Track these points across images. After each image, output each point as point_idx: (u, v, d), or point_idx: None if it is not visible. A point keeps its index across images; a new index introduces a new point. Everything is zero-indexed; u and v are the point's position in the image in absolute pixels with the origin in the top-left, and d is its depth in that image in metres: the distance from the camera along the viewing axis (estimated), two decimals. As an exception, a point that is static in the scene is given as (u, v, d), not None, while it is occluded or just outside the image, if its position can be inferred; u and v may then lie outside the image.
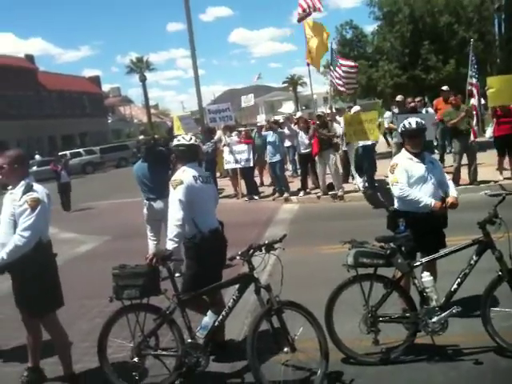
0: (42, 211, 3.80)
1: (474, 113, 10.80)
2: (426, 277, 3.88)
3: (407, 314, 4.00)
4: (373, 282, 3.95)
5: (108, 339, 3.94)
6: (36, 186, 3.92)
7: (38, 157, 32.21)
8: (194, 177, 4.19)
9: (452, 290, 3.92)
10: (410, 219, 4.17)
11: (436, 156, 10.89)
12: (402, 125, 4.46)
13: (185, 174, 4.18)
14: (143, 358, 3.87)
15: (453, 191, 4.41)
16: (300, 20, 12.31)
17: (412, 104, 11.83)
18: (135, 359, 3.82)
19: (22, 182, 3.88)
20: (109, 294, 3.87)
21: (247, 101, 18.11)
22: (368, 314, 3.94)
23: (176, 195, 4.05)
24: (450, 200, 4.30)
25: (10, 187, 4.00)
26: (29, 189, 3.83)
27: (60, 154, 19.04)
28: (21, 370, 4.26)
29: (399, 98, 11.99)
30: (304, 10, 12.02)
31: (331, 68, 12.35)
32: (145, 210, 6.89)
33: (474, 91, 11.20)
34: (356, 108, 12.04)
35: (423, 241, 4.09)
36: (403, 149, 4.51)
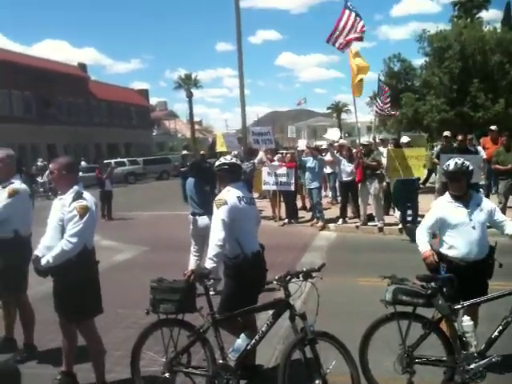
0: (89, 219, 3.93)
1: None
2: (467, 321, 3.77)
3: (444, 358, 3.89)
4: (411, 322, 3.86)
5: (141, 351, 3.98)
6: (86, 193, 4.06)
7: (83, 163, 33.10)
8: (238, 197, 4.21)
9: (493, 337, 3.79)
10: (451, 264, 4.07)
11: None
12: (444, 165, 4.30)
13: (229, 194, 4.21)
14: (174, 375, 3.89)
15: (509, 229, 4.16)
16: (333, 43, 12.25)
17: (459, 141, 11.53)
18: (166, 374, 3.84)
19: (72, 189, 4.01)
20: (145, 306, 3.93)
21: (292, 132, 18.04)
22: (404, 353, 3.85)
23: (219, 215, 4.08)
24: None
25: (59, 193, 4.16)
26: (79, 196, 3.96)
27: (105, 162, 19.47)
28: (54, 372, 4.35)
29: (447, 133, 11.79)
30: (334, 32, 11.97)
31: (377, 99, 12.34)
32: (190, 225, 6.98)
33: None
34: (406, 138, 11.89)
35: (463, 287, 3.94)
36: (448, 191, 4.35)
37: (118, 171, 31.40)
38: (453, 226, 4.13)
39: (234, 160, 4.53)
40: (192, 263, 6.78)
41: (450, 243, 4.19)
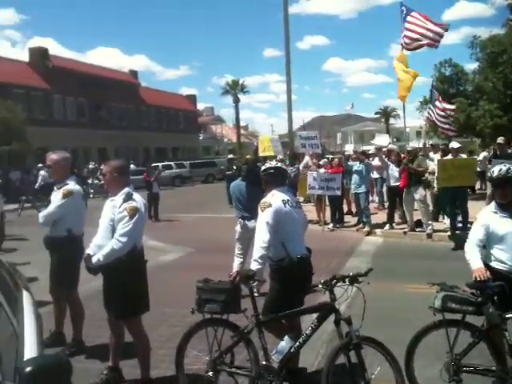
0: (138, 219, 4.04)
1: None
2: (519, 330, 3.63)
3: (494, 368, 3.75)
4: (460, 329, 3.76)
5: (186, 349, 4.03)
6: (135, 195, 4.17)
7: (132, 166, 33.95)
8: (283, 201, 4.21)
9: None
10: (498, 276, 3.88)
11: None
12: (491, 171, 4.10)
13: (274, 198, 4.21)
14: (217, 374, 3.92)
15: None
16: (409, 49, 11.92)
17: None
18: (210, 373, 3.88)
19: (123, 191, 4.12)
20: (189, 305, 3.98)
21: (340, 139, 17.73)
22: (451, 362, 3.74)
23: (264, 218, 4.09)
24: None
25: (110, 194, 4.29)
26: (129, 197, 4.08)
27: (153, 165, 19.93)
28: (101, 367, 4.47)
29: (500, 140, 11.39)
30: (412, 40, 11.64)
31: (430, 105, 12.06)
32: (238, 228, 7.02)
33: None
34: (456, 144, 11.58)
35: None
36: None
37: (165, 174, 32.07)
38: (499, 238, 3.94)
39: (279, 164, 4.54)
40: (236, 265, 6.82)
41: (496, 255, 4.00)
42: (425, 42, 11.39)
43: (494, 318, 3.70)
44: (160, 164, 32.71)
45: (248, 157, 16.69)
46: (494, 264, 4.01)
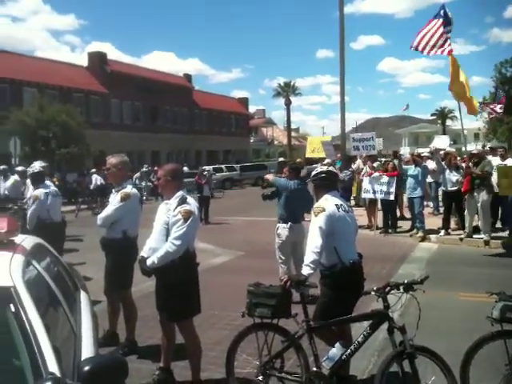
0: (192, 223, 4.10)
1: None
2: None
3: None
4: (520, 341, 3.59)
5: (236, 352, 4.05)
6: (189, 199, 4.24)
7: (185, 169, 34.56)
8: (336, 205, 4.15)
9: None
10: None
11: None
12: None
13: (327, 202, 4.17)
14: (267, 378, 3.92)
15: None
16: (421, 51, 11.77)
17: None
18: (259, 377, 3.88)
19: (177, 194, 4.20)
20: (239, 309, 4.01)
21: (379, 144, 17.22)
22: (511, 374, 3.58)
23: (317, 222, 4.04)
24: None
25: (165, 198, 4.38)
26: (183, 201, 4.15)
27: (203, 168, 20.20)
28: (153, 368, 4.54)
29: None
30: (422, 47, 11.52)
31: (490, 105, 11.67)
32: (286, 232, 6.92)
33: None
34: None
35: None
36: None
37: (216, 177, 32.46)
38: None
39: (330, 168, 4.50)
40: (282, 271, 6.73)
41: None
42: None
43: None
44: (211, 167, 33.34)
45: (299, 160, 16.58)
46: None
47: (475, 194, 10.33)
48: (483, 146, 12.17)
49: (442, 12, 11.57)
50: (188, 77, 53.30)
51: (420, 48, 11.61)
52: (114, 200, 5.11)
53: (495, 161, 11.23)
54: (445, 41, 11.40)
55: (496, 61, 18.56)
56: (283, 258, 6.90)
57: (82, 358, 2.45)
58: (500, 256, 9.61)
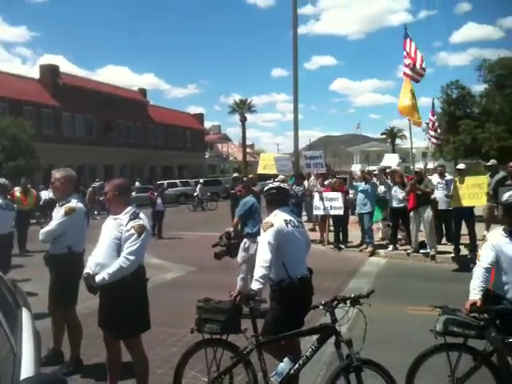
0: (146, 237, 4.05)
1: None
2: (521, 355, 3.58)
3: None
4: (461, 353, 3.71)
5: (184, 370, 4.00)
6: (141, 214, 4.19)
7: (137, 184, 34.11)
8: (285, 221, 4.19)
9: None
10: (501, 302, 3.81)
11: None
12: (506, 195, 4.01)
13: (276, 218, 4.20)
14: (215, 395, 3.88)
15: None
16: (409, 76, 12.28)
17: (511, 169, 11.08)
18: (208, 394, 3.84)
19: (128, 209, 4.13)
20: (189, 325, 3.96)
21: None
22: (453, 386, 3.69)
23: (266, 237, 4.06)
24: None
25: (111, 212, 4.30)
26: (136, 216, 4.10)
27: (158, 183, 20.02)
28: (98, 387, 4.43)
29: (492, 161, 11.74)
30: (409, 67, 12.03)
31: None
32: (255, 246, 6.90)
33: None
34: (462, 165, 11.61)
35: None
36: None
37: (170, 192, 32.18)
38: (504, 264, 3.86)
39: (281, 184, 4.55)
40: (239, 285, 6.78)
41: (500, 282, 3.91)
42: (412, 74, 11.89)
43: (496, 342, 3.64)
44: (165, 182, 33.02)
45: (251, 176, 16.73)
46: (496, 290, 3.94)
47: (420, 209, 10.66)
48: (425, 165, 12.63)
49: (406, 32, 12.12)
50: (143, 91, 52.89)
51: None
52: (58, 214, 4.97)
53: (434, 179, 11.68)
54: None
55: (443, 83, 19.44)
56: (245, 272, 6.93)
57: (21, 378, 2.36)
58: (445, 270, 9.92)
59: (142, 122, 49.19)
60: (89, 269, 4.14)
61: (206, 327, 3.85)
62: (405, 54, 12.01)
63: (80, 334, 5.17)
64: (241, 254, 7.06)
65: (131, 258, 3.92)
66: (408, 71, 11.98)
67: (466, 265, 9.65)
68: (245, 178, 13.26)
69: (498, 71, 17.93)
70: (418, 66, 11.85)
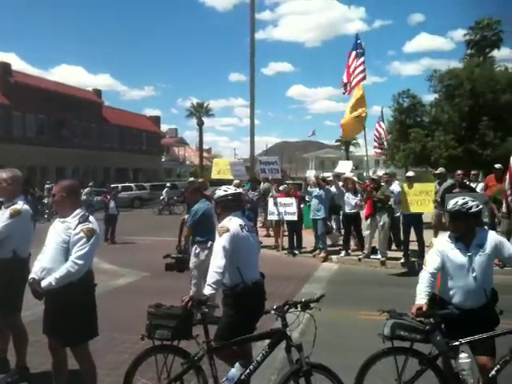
0: (95, 241, 3.95)
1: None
2: (464, 358, 3.66)
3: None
4: (408, 357, 3.80)
5: (134, 377, 3.93)
6: (90, 217, 4.09)
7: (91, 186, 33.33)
8: (240, 225, 4.20)
9: (490, 376, 3.71)
10: (447, 305, 3.91)
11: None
12: (448, 203, 4.07)
13: (231, 223, 4.20)
14: (166, 402, 3.83)
15: None
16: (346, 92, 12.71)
17: (459, 177, 11.50)
18: (158, 401, 3.79)
19: (77, 212, 4.03)
20: (141, 331, 3.90)
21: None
22: (400, 389, 3.78)
23: (221, 242, 4.04)
24: None
25: (58, 215, 4.18)
26: (85, 219, 3.99)
27: (112, 186, 19.61)
28: (44, 395, 4.29)
29: (441, 169, 12.26)
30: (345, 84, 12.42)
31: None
32: (206, 252, 6.86)
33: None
34: (411, 173, 11.97)
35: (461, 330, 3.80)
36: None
37: (124, 195, 31.63)
38: (450, 270, 3.93)
39: (235, 189, 4.55)
40: (193, 290, 6.73)
41: (445, 287, 3.99)
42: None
43: (440, 346, 3.74)
44: (119, 185, 32.42)
45: (201, 180, 16.82)
46: (442, 295, 4.05)
47: (377, 216, 10.92)
48: (373, 173, 12.97)
49: (359, 42, 12.43)
50: (98, 92, 51.82)
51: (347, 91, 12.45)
52: (3, 217, 4.78)
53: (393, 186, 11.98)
54: (362, 71, 12.23)
55: (395, 91, 19.96)
56: (197, 278, 6.89)
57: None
58: (395, 275, 10.19)
59: (96, 122, 48.14)
60: (34, 274, 4.00)
61: (156, 333, 3.80)
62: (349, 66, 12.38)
63: (25, 342, 4.98)
64: (192, 260, 7.04)
65: (80, 262, 3.82)
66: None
67: (414, 270, 9.97)
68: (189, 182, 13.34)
69: (448, 81, 18.56)
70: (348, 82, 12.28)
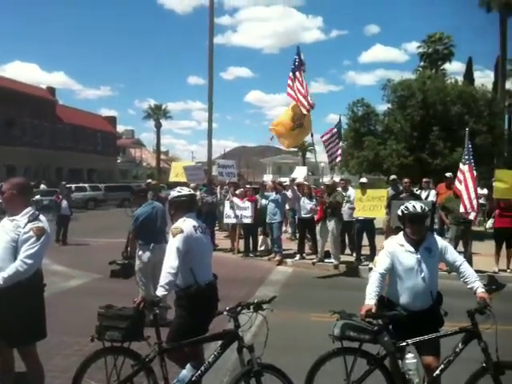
0: (45, 241, 3.86)
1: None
2: (410, 359, 3.78)
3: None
4: (357, 357, 3.89)
5: (83, 380, 3.86)
6: (41, 216, 3.99)
7: (43, 186, 32.35)
8: (194, 227, 4.20)
9: (434, 375, 3.85)
10: (393, 309, 4.00)
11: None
12: (404, 207, 4.07)
13: (185, 224, 4.19)
14: (115, 404, 3.78)
15: (477, 284, 3.96)
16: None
17: (405, 183, 11.83)
18: (107, 404, 3.73)
19: (27, 210, 3.93)
20: (91, 333, 3.84)
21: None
22: (348, 389, 3.86)
23: (175, 243, 4.03)
24: (480, 296, 3.88)
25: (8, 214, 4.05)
26: (35, 218, 3.90)
27: (65, 184, 19.12)
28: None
29: (393, 176, 12.76)
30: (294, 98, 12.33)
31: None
32: (148, 254, 6.85)
33: (463, 177, 10.28)
34: (364, 179, 12.25)
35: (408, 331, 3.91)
36: (400, 232, 4.19)
37: (78, 196, 30.89)
38: (399, 271, 4.04)
39: (189, 191, 4.54)
40: (141, 293, 6.62)
41: (394, 289, 4.10)
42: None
43: (388, 347, 3.83)
44: (73, 185, 31.65)
45: (149, 181, 16.73)
46: (390, 296, 4.15)
47: (327, 221, 11.11)
48: (331, 179, 13.22)
49: (298, 57, 12.33)
50: (51, 90, 50.51)
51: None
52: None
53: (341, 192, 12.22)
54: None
55: (351, 100, 20.35)
56: (144, 280, 6.81)
57: None
58: (347, 278, 10.41)
59: (49, 121, 46.86)
60: None
61: (106, 335, 3.75)
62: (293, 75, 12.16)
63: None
64: (136, 263, 6.97)
65: (29, 261, 3.72)
66: (290, 91, 12.19)
67: (366, 273, 10.18)
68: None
69: (401, 92, 19.08)
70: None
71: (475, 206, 10.02)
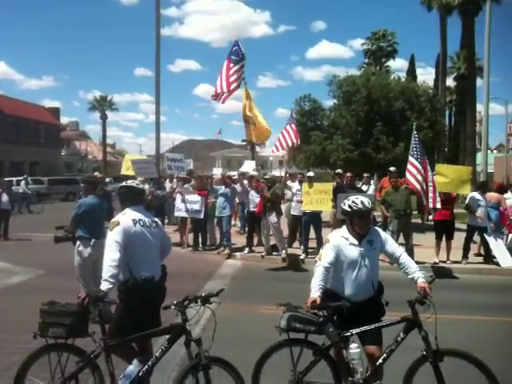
0: None
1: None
2: (354, 348, 3.88)
3: (332, 385, 4.02)
4: (303, 348, 3.97)
5: (26, 378, 3.76)
6: None
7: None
8: (133, 220, 4.11)
9: (377, 364, 3.97)
10: (339, 298, 4.12)
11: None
12: (352, 202, 4.12)
13: (124, 217, 4.12)
14: (60, 402, 3.71)
15: (417, 274, 4.09)
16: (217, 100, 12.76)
17: (348, 178, 12.19)
18: (51, 402, 3.66)
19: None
20: (34, 330, 3.75)
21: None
22: (294, 379, 3.94)
23: (112, 236, 3.96)
24: (420, 286, 4.00)
25: None
26: None
27: (6, 179, 18.42)
28: None
29: (339, 170, 13.04)
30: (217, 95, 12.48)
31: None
32: (89, 250, 6.72)
33: (414, 171, 10.56)
34: (311, 173, 12.45)
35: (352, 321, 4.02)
36: (344, 226, 4.29)
37: (19, 190, 29.72)
38: (344, 264, 4.13)
39: (133, 183, 4.45)
40: (82, 290, 6.49)
41: (338, 281, 4.20)
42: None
43: (333, 337, 3.92)
44: (14, 178, 30.43)
45: (96, 173, 16.46)
46: (333, 287, 4.24)
47: (267, 215, 11.21)
48: (286, 172, 13.37)
49: (236, 49, 12.43)
50: (-10, 80, 48.29)
51: (218, 98, 12.42)
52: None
53: (295, 186, 12.39)
54: (239, 77, 12.24)
55: (298, 95, 20.61)
56: (84, 276, 6.68)
57: None
58: (295, 271, 10.55)
59: (-12, 112, 44.81)
60: None
61: (50, 331, 3.68)
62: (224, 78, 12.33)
63: None
64: (76, 258, 6.83)
65: None
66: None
67: (313, 266, 10.36)
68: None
69: (346, 88, 19.47)
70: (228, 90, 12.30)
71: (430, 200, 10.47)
